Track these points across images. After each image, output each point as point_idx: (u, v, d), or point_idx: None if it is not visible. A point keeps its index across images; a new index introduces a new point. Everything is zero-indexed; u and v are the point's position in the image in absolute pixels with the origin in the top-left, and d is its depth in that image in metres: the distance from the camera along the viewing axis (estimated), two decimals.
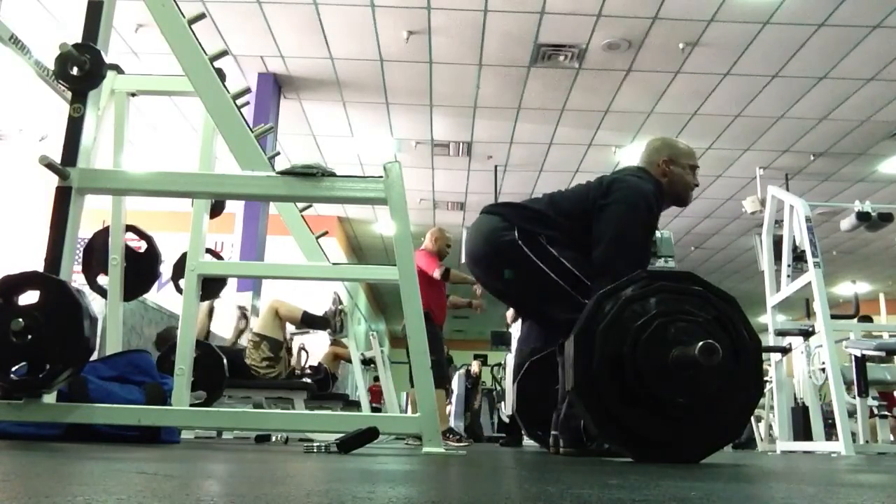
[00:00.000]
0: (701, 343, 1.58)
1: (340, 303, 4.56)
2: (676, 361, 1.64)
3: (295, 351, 5.45)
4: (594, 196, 2.46)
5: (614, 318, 1.73)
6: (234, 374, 3.90)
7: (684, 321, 1.70)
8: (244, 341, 4.82)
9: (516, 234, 2.43)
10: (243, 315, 4.85)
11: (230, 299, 5.67)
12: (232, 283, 5.78)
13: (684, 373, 1.64)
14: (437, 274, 4.95)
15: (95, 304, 2.05)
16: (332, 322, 4.48)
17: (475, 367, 11.57)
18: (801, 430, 4.85)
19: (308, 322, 4.48)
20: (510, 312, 6.62)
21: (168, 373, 2.46)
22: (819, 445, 4.36)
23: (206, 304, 4.33)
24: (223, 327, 5.12)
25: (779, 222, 5.06)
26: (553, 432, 2.53)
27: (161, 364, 2.68)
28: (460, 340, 18.22)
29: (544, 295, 2.45)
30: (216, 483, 0.87)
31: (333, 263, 3.04)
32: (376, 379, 9.33)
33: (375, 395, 9.58)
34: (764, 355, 5.48)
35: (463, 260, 8.74)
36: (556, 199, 2.57)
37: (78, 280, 2.59)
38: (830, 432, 4.86)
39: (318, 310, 4.56)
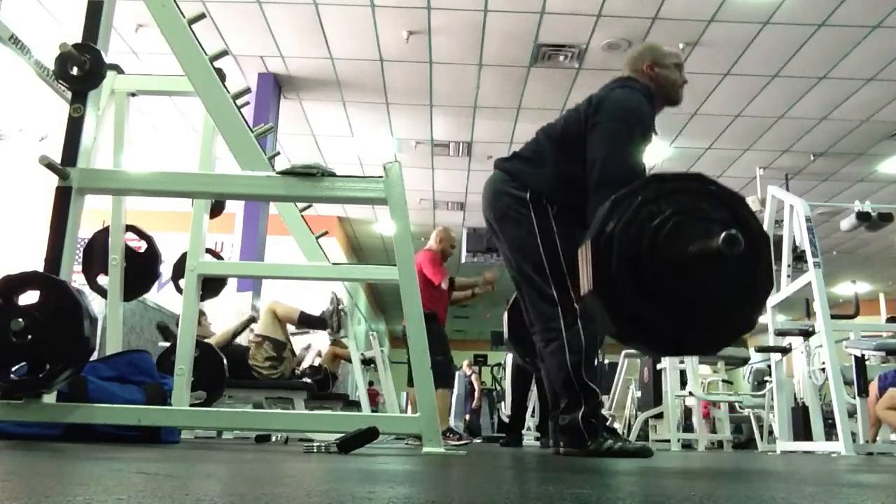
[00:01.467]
0: (724, 233, 1.62)
1: (339, 302, 4.56)
2: (695, 256, 1.69)
3: (307, 350, 5.44)
4: (585, 116, 2.47)
5: (630, 218, 1.77)
6: (237, 373, 3.90)
7: (701, 219, 1.74)
8: (243, 341, 4.81)
9: (528, 195, 2.44)
10: (252, 319, 4.76)
11: (231, 299, 5.67)
12: (232, 283, 5.78)
13: (703, 268, 1.69)
14: (444, 285, 4.95)
15: (95, 304, 2.05)
16: (329, 322, 4.48)
17: (465, 367, 11.60)
18: (801, 430, 4.84)
19: (305, 322, 4.48)
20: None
21: (168, 373, 2.46)
22: (819, 445, 4.35)
23: (234, 325, 4.42)
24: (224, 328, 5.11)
25: (779, 222, 5.06)
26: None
27: (161, 364, 2.68)
28: (460, 340, 18.21)
29: (525, 267, 2.45)
30: (216, 483, 0.87)
31: (333, 263, 3.04)
32: (372, 383, 9.32)
33: (372, 397, 9.58)
34: (764, 355, 5.47)
35: (464, 259, 8.62)
36: (551, 134, 2.57)
37: (78, 280, 2.59)
38: (830, 432, 4.86)
39: (318, 310, 4.55)
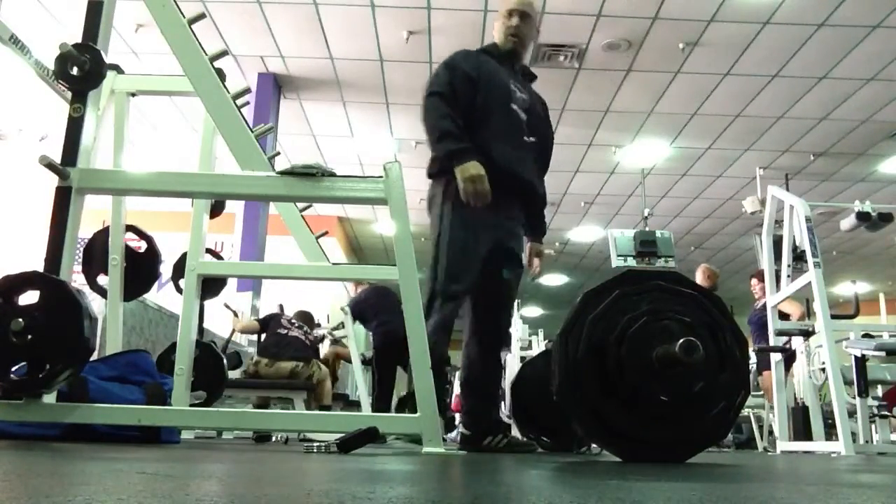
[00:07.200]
0: (682, 340, 1.60)
1: None
2: (660, 359, 1.66)
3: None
4: None
5: (604, 311, 1.75)
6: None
7: (674, 321, 1.72)
8: (242, 341, 4.83)
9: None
10: (233, 314, 4.83)
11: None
12: (232, 283, 5.78)
13: (668, 370, 1.66)
14: None
15: (95, 304, 2.05)
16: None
17: None
18: (801, 430, 4.84)
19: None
20: None
21: (168, 373, 2.46)
22: (819, 445, 4.35)
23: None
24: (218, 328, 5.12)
25: (779, 222, 5.05)
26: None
27: (161, 364, 2.68)
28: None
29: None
30: (216, 483, 0.87)
31: (333, 263, 3.04)
32: None
33: None
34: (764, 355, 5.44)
35: None
36: None
37: (78, 280, 2.59)
38: (830, 432, 4.86)
39: (318, 308, 4.62)
